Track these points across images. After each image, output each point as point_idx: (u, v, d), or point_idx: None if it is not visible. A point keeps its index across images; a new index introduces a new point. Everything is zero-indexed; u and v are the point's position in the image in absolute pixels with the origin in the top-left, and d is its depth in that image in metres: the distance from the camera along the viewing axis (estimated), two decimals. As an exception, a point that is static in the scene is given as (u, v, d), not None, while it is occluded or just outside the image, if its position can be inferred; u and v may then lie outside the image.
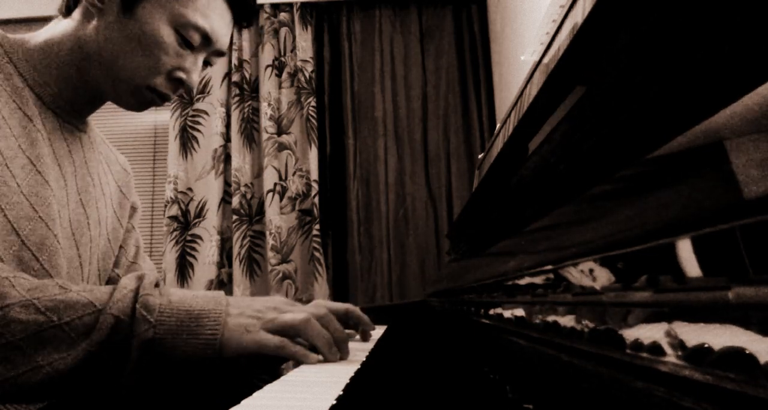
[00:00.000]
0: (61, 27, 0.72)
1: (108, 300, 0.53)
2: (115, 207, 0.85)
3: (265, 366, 0.64)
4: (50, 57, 0.70)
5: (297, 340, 0.58)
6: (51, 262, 0.65)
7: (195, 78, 0.75)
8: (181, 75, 0.73)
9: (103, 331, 0.52)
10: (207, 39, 0.72)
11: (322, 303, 0.66)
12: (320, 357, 0.58)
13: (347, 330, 0.80)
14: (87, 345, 0.51)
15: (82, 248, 0.75)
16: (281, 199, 2.20)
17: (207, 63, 0.78)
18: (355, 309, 0.76)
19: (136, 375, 0.54)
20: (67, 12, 0.72)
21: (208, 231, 2.21)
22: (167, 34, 0.69)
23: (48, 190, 0.66)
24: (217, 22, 0.73)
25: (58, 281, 0.55)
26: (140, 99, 0.73)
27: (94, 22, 0.69)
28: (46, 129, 0.69)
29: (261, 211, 2.23)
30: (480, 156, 1.14)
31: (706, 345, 0.18)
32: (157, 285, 0.57)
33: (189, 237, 2.22)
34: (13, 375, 0.49)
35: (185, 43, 0.71)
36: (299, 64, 2.25)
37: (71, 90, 0.72)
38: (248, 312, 0.58)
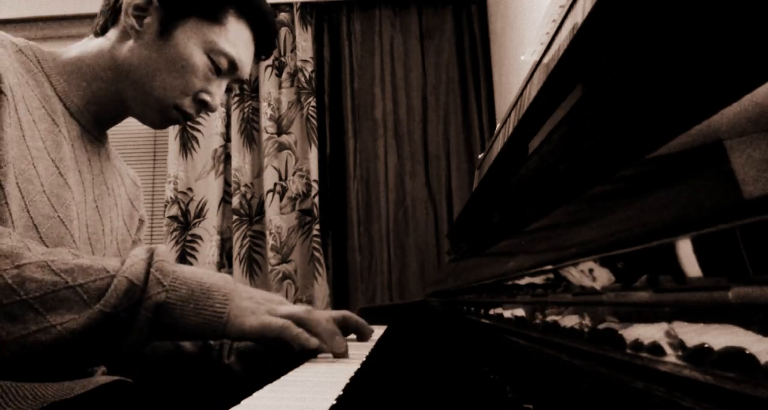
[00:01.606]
0: (95, 44, 0.76)
1: (120, 267, 0.54)
2: (126, 219, 0.88)
3: (268, 373, 0.65)
4: (82, 71, 0.74)
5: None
6: None
7: (218, 101, 0.81)
8: (206, 97, 0.79)
9: (117, 293, 0.52)
10: (233, 66, 0.79)
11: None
12: (318, 342, 0.59)
13: (348, 336, 0.80)
14: (100, 306, 0.52)
15: (97, 254, 0.76)
16: (281, 199, 2.20)
17: (228, 89, 0.84)
18: (353, 315, 0.77)
19: (143, 339, 0.54)
20: (101, 32, 0.77)
21: (208, 231, 2.21)
22: (199, 59, 0.75)
23: (68, 192, 0.69)
24: (243, 51, 0.80)
25: (70, 250, 0.56)
26: (165, 117, 0.78)
27: (130, 43, 0.74)
28: (71, 136, 0.73)
29: (261, 211, 2.23)
30: (480, 156, 1.14)
31: (706, 345, 0.18)
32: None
33: (189, 237, 2.22)
34: (23, 333, 0.49)
35: (214, 68, 0.77)
36: (299, 64, 2.25)
37: (98, 103, 0.76)
38: (254, 298, 0.60)
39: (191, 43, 0.74)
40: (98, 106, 0.76)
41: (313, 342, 0.58)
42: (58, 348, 0.51)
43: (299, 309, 0.62)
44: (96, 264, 0.54)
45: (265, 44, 0.84)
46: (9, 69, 0.64)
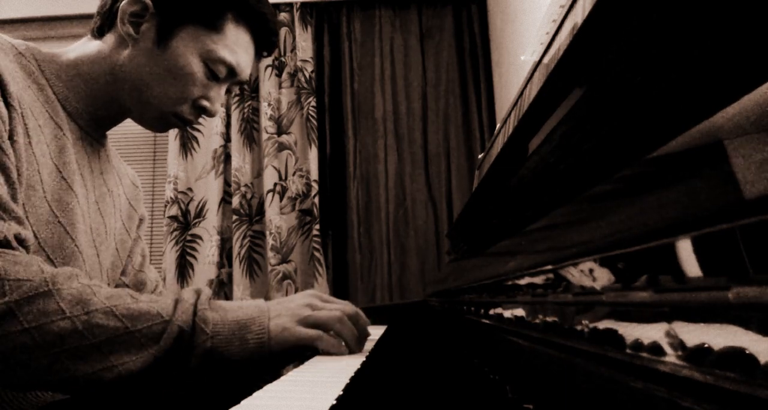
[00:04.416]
0: (92, 47, 0.75)
1: (173, 312, 0.60)
2: (124, 219, 0.88)
3: (267, 368, 0.66)
4: (80, 74, 0.74)
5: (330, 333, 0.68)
6: (68, 265, 0.67)
7: (218, 107, 0.81)
8: (206, 104, 0.78)
9: (169, 339, 0.58)
10: (232, 72, 0.78)
11: (350, 304, 0.73)
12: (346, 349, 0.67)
13: None
14: (155, 350, 0.57)
15: (101, 255, 0.77)
16: (281, 199, 2.20)
17: (227, 90, 0.84)
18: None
19: (197, 376, 0.61)
20: (99, 34, 0.76)
21: (208, 231, 2.21)
22: (197, 67, 0.75)
23: (72, 195, 0.69)
24: (243, 56, 0.78)
25: (129, 291, 0.61)
26: (164, 123, 0.79)
27: (128, 51, 0.74)
28: (73, 138, 0.73)
29: (261, 211, 2.23)
30: (480, 156, 1.14)
31: (706, 345, 0.18)
32: (209, 298, 0.64)
33: (189, 237, 2.22)
34: (90, 371, 0.55)
35: (212, 76, 0.76)
36: (299, 64, 2.25)
37: (97, 106, 0.76)
38: (285, 312, 0.66)
39: (188, 52, 0.73)
40: (97, 109, 0.76)
41: (343, 349, 0.66)
42: (119, 383, 0.57)
43: (327, 315, 0.66)
44: (152, 309, 0.59)
45: (265, 44, 0.82)
46: (12, 76, 0.64)
